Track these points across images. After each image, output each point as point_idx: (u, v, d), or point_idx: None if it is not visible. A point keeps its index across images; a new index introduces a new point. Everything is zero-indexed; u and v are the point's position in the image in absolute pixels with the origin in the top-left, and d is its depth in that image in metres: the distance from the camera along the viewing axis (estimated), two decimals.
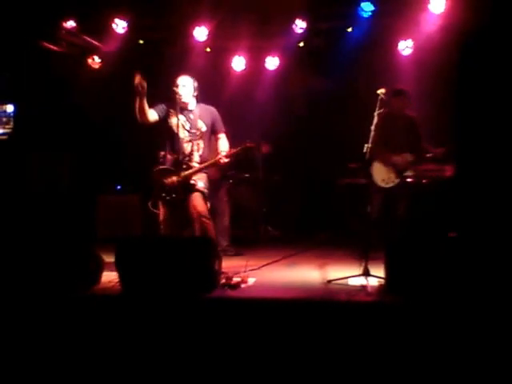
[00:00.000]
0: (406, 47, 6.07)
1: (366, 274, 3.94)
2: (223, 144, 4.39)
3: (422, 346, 2.69)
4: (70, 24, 6.09)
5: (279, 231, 6.60)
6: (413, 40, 6.04)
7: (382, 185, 5.06)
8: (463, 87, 5.35)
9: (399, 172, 5.03)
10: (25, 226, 5.64)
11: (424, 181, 5.39)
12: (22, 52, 6.21)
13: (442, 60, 5.63)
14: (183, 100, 4.29)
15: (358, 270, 4.04)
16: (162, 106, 4.33)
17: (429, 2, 5.51)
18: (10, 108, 6.56)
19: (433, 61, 5.80)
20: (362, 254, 4.07)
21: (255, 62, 6.59)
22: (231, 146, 4.42)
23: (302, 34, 6.02)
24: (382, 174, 5.05)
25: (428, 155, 5.11)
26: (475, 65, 5.12)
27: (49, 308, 3.37)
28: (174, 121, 4.28)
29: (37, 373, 2.62)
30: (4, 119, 6.61)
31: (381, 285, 3.81)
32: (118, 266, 3.72)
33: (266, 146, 6.39)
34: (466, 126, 4.95)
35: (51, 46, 6.25)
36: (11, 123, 6.54)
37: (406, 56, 6.11)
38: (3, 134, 6.54)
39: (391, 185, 5.06)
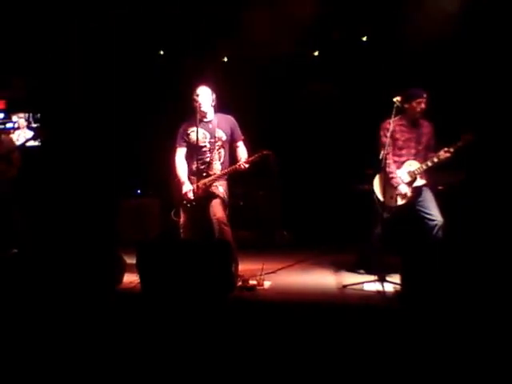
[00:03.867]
0: None
1: (382, 279, 3.97)
2: (242, 152, 4.44)
3: (437, 352, 2.70)
4: None
5: (294, 236, 6.63)
6: None
7: (391, 204, 4.32)
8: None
9: (409, 183, 4.37)
10: (52, 229, 5.80)
11: (440, 187, 5.17)
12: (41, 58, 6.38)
13: None
14: (202, 109, 4.38)
15: (374, 276, 4.09)
16: (181, 135, 4.45)
17: None
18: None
19: None
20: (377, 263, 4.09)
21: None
22: (248, 153, 4.46)
23: None
24: (389, 190, 4.32)
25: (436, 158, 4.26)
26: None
27: (68, 307, 3.50)
28: (193, 132, 4.38)
29: (54, 365, 2.67)
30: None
31: (396, 291, 3.85)
32: (139, 268, 3.84)
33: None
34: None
35: None
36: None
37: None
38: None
39: (403, 202, 4.33)
